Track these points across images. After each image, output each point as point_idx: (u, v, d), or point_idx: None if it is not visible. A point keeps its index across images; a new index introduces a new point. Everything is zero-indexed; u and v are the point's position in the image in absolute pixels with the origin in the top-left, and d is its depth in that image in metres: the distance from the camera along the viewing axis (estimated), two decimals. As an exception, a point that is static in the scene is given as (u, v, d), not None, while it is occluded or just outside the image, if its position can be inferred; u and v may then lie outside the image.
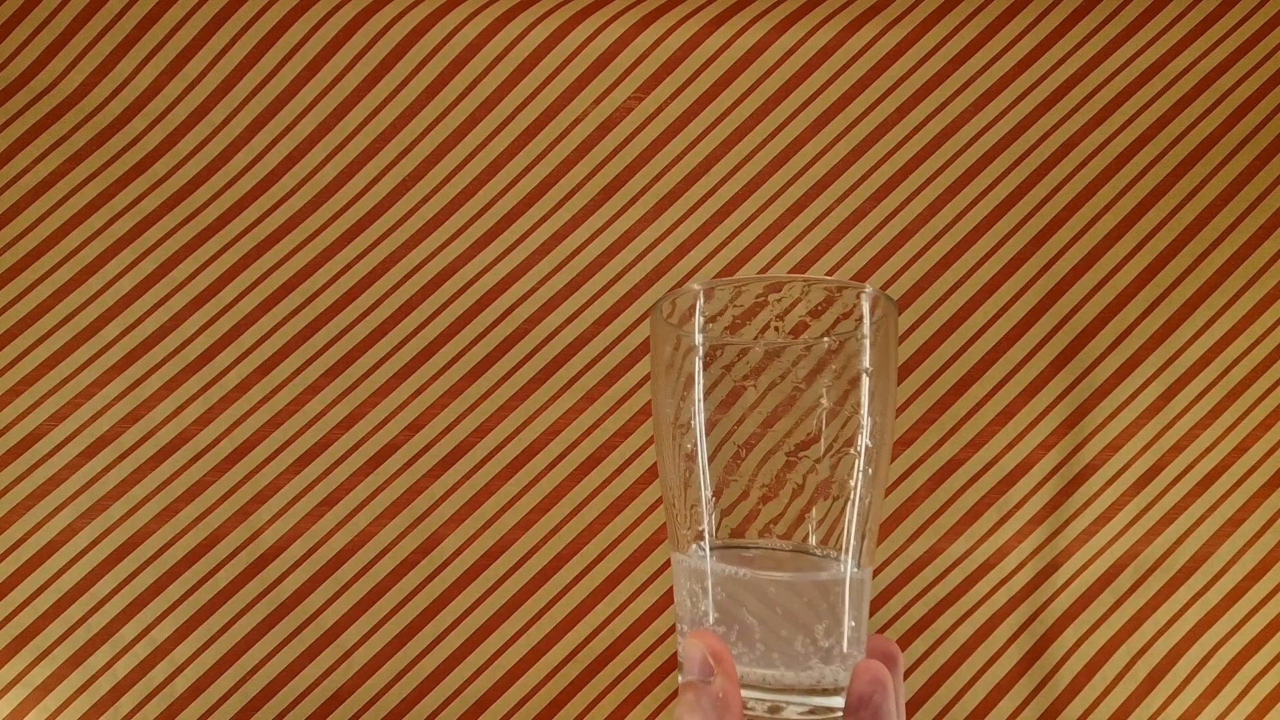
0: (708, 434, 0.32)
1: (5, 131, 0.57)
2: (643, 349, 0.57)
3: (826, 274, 0.57)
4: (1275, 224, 0.58)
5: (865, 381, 0.32)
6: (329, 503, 0.56)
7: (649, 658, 0.55)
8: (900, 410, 0.57)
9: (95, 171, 0.57)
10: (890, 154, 0.58)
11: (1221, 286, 0.58)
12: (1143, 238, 0.58)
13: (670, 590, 0.56)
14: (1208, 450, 0.57)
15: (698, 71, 0.58)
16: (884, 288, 0.58)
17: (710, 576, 0.32)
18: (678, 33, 0.58)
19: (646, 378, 0.57)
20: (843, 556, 0.32)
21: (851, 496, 0.32)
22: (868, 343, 0.32)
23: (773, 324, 0.33)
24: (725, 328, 0.33)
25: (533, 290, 0.57)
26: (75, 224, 0.57)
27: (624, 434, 0.56)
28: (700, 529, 0.32)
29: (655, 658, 0.55)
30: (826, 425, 0.31)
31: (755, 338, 0.33)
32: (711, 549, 0.32)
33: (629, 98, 0.58)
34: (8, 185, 0.57)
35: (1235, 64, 0.59)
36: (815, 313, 0.33)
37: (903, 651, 0.56)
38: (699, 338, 0.33)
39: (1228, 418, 0.57)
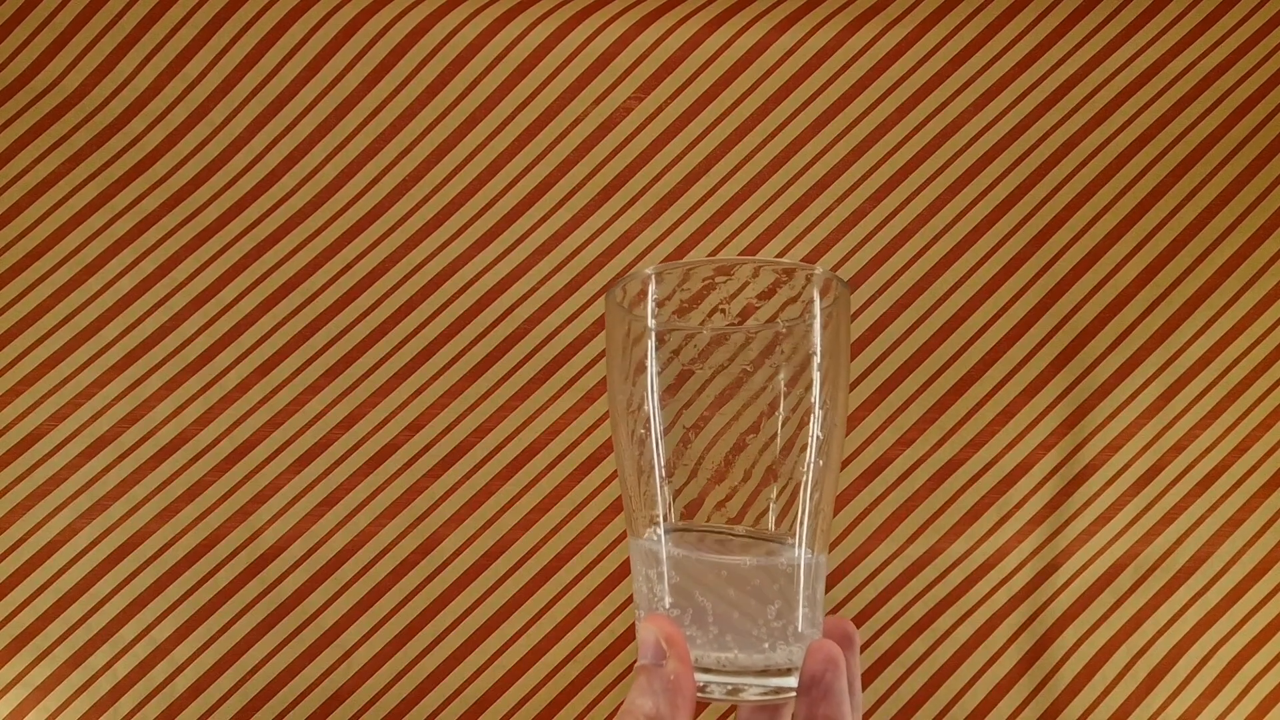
0: (660, 417, 0.32)
1: (5, 131, 0.57)
2: (643, 349, 0.57)
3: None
4: (1275, 224, 0.58)
5: (815, 367, 0.31)
6: (329, 503, 0.56)
7: (649, 658, 0.55)
8: (900, 410, 0.57)
9: (95, 171, 0.57)
10: (890, 154, 0.58)
11: (1221, 286, 0.58)
12: (1143, 238, 0.58)
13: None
14: (1208, 450, 0.57)
15: (698, 71, 0.58)
16: (884, 288, 0.58)
17: (664, 560, 0.32)
18: (678, 33, 0.58)
19: (646, 378, 0.57)
20: (795, 541, 0.31)
21: (803, 482, 0.31)
22: (818, 325, 0.32)
23: (721, 307, 0.33)
24: (674, 311, 0.33)
25: (533, 290, 0.57)
26: (75, 224, 0.57)
27: (624, 434, 0.56)
28: (654, 513, 0.32)
29: (655, 658, 0.55)
30: (775, 411, 0.31)
31: (703, 322, 0.33)
32: (665, 532, 0.32)
33: (629, 98, 0.58)
34: (8, 185, 0.57)
35: (1235, 64, 0.59)
36: (765, 295, 0.32)
37: (902, 650, 0.56)
38: (650, 322, 0.32)
39: (1228, 418, 0.57)
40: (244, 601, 0.55)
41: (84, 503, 0.55)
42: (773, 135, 0.58)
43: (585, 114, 0.58)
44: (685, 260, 0.32)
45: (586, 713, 0.55)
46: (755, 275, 0.33)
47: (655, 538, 0.32)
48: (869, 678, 0.55)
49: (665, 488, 0.32)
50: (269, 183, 0.57)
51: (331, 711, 0.55)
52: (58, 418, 0.56)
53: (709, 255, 0.58)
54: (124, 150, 0.57)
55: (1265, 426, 0.57)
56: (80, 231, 0.57)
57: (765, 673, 0.31)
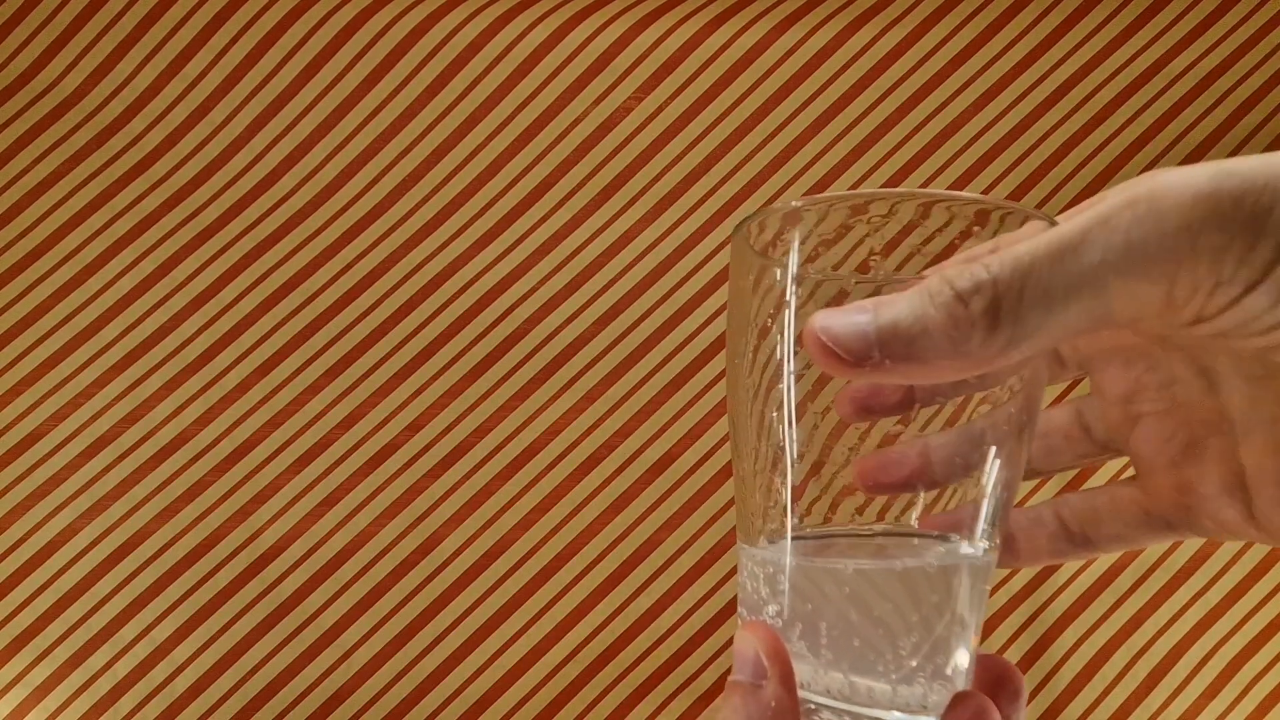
0: (795, 391, 0.25)
1: (5, 131, 0.57)
2: (643, 349, 0.57)
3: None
4: (1275, 224, 0.58)
5: None
6: (329, 503, 0.56)
7: (649, 658, 0.55)
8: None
9: (95, 171, 0.57)
10: (890, 154, 0.58)
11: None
12: (1143, 238, 0.58)
13: (671, 589, 0.56)
14: (1208, 450, 0.57)
15: (698, 71, 0.58)
16: (884, 288, 0.57)
17: (780, 559, 0.25)
18: (678, 33, 0.58)
19: (647, 378, 0.57)
20: (954, 552, 0.25)
21: (978, 482, 0.25)
22: None
23: (875, 255, 0.26)
24: (821, 259, 0.26)
25: (533, 290, 0.57)
26: (75, 224, 0.57)
27: (624, 434, 0.56)
28: (774, 504, 0.26)
29: (655, 658, 0.55)
30: (950, 387, 0.25)
31: (858, 269, 0.26)
32: (786, 527, 0.26)
33: (629, 98, 0.58)
34: (8, 185, 0.57)
35: (1235, 64, 0.59)
36: (934, 240, 0.25)
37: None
38: (792, 270, 0.25)
39: (1228, 418, 0.57)
40: (244, 601, 0.55)
41: (84, 503, 0.55)
42: (773, 135, 0.58)
43: (585, 114, 0.58)
44: (836, 194, 0.26)
45: (586, 713, 0.55)
46: (925, 215, 0.25)
47: (773, 536, 0.26)
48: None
49: (795, 476, 0.25)
50: (269, 183, 0.57)
51: (331, 711, 0.55)
52: (58, 418, 0.56)
53: (709, 254, 0.58)
54: (124, 150, 0.57)
55: (1265, 426, 0.57)
56: (80, 231, 0.57)
57: (893, 707, 0.25)
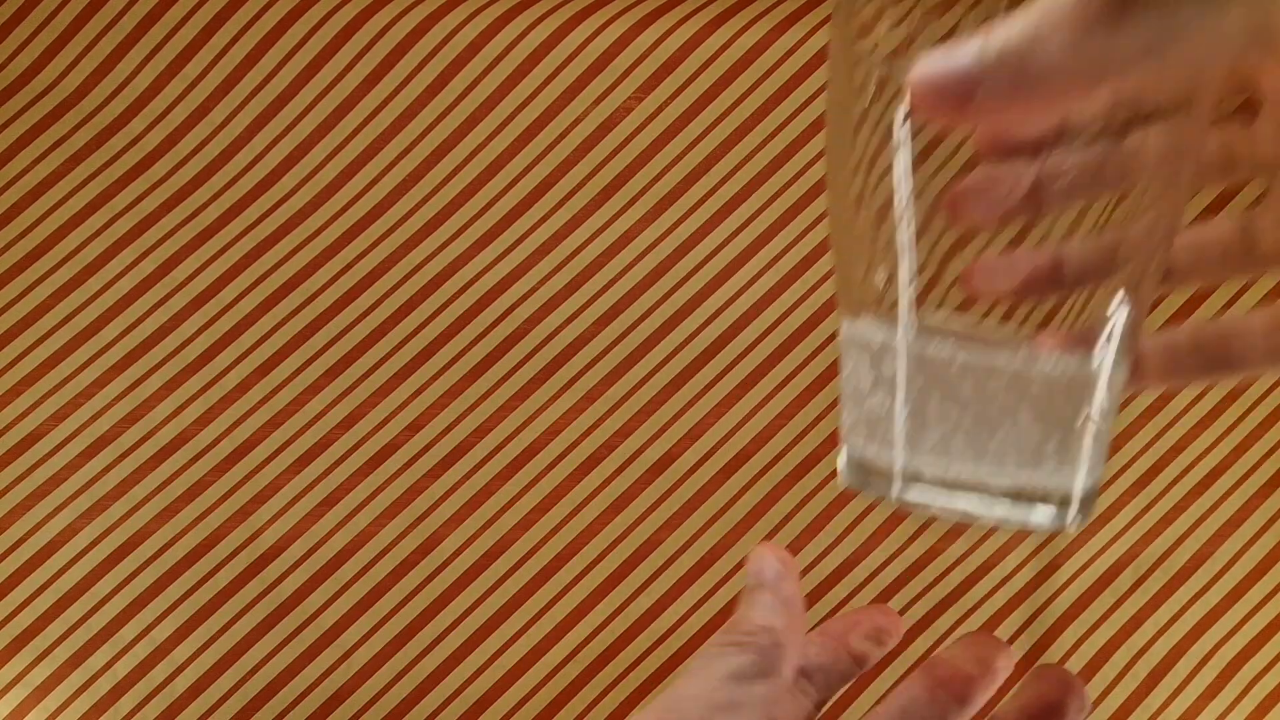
0: (914, 193, 0.22)
1: (5, 131, 0.57)
2: (643, 349, 0.57)
3: (824, 277, 0.57)
4: (1275, 224, 0.58)
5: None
6: (329, 503, 0.56)
7: (649, 658, 0.55)
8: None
9: (95, 172, 0.57)
10: (890, 154, 0.58)
11: (1222, 285, 0.58)
12: (1143, 238, 0.58)
13: (671, 589, 0.56)
14: (1208, 450, 0.57)
15: (698, 71, 0.58)
16: (884, 287, 0.57)
17: (892, 347, 0.23)
18: (678, 33, 0.58)
19: (647, 378, 0.57)
20: (1089, 350, 0.23)
21: (1114, 290, 0.23)
22: None
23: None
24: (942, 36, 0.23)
25: (533, 290, 0.57)
26: (75, 224, 0.57)
27: (624, 434, 0.56)
28: (883, 300, 0.24)
29: (655, 658, 0.55)
30: (1076, 187, 0.22)
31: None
32: (902, 317, 0.23)
33: (629, 98, 0.58)
34: (8, 185, 0.57)
35: (1235, 64, 0.59)
36: None
37: (903, 650, 0.56)
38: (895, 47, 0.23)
39: (1228, 418, 0.57)
40: (244, 601, 0.55)
41: (84, 503, 0.55)
42: (773, 135, 0.58)
43: (585, 114, 0.58)
44: None
45: (586, 713, 0.55)
46: None
47: (884, 320, 0.23)
48: (869, 678, 0.55)
49: (910, 270, 0.23)
50: (269, 183, 0.57)
51: (331, 711, 0.55)
52: (58, 418, 0.56)
53: (709, 254, 0.58)
54: (124, 150, 0.57)
55: (1265, 426, 0.57)
56: (80, 231, 0.57)
57: (1019, 496, 0.22)
